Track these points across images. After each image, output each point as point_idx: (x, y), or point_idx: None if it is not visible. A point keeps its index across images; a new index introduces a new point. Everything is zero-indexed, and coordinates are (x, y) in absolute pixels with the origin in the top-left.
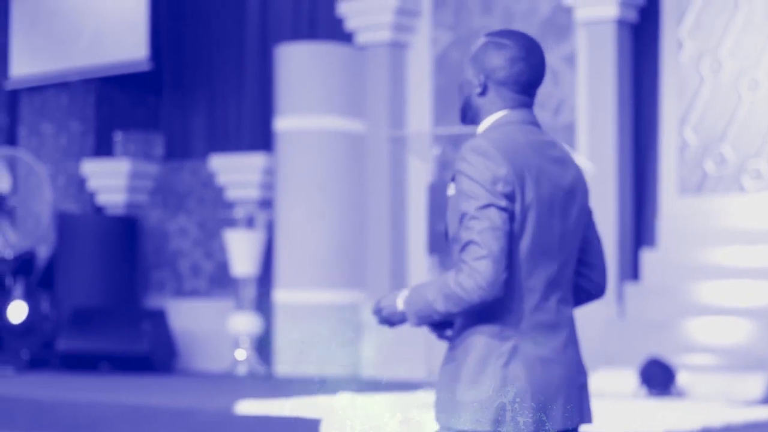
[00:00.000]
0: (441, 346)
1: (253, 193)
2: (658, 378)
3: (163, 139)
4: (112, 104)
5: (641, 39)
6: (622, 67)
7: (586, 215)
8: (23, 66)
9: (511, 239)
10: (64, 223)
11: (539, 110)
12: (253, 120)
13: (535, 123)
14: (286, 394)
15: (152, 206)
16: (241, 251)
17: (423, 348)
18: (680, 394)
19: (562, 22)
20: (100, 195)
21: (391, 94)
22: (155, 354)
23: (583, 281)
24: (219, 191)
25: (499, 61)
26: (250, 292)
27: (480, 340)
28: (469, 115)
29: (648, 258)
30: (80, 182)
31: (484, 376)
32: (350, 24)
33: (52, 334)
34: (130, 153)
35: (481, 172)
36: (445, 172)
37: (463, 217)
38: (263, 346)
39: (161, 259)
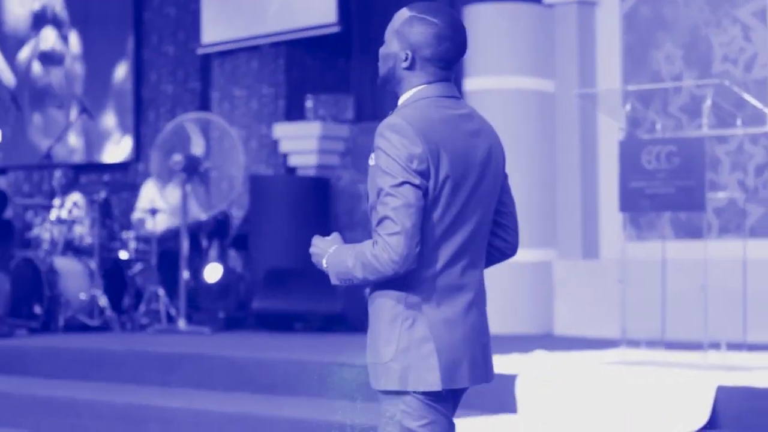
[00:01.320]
0: (635, 305)
1: None
2: None
3: (353, 102)
4: (302, 68)
5: None
6: None
7: (501, 181)
8: (214, 32)
9: (424, 213)
10: (256, 185)
11: (731, 66)
12: None
13: (453, 96)
14: None
15: (343, 168)
16: None
17: (616, 306)
18: None
19: None
20: (292, 157)
21: (580, 52)
22: (348, 313)
23: (498, 241)
24: None
25: (426, 38)
26: None
27: (387, 304)
28: (391, 85)
29: None
30: (272, 145)
31: (391, 338)
32: None
33: (246, 295)
34: (321, 116)
35: (398, 149)
36: (636, 130)
37: (380, 192)
38: None
39: (353, 220)
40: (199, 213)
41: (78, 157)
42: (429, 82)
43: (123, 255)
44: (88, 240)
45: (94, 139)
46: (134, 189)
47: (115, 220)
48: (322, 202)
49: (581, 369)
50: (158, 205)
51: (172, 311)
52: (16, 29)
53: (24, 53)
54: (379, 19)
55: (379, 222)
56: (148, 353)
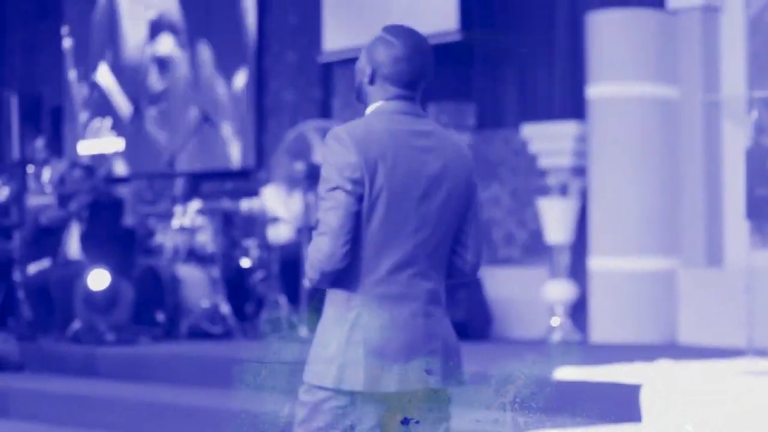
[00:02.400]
0: (762, 314)
1: (566, 161)
2: None
3: (474, 109)
4: None
5: None
6: None
7: (461, 200)
8: (336, 40)
9: (360, 220)
10: None
11: None
12: (564, 88)
13: (411, 113)
14: (603, 361)
15: None
16: (554, 219)
17: (742, 315)
18: None
19: None
20: None
21: (704, 58)
22: (472, 321)
23: (457, 260)
24: (531, 160)
25: (384, 58)
26: (563, 260)
27: (333, 306)
28: (361, 97)
29: None
30: None
31: (331, 338)
32: None
33: None
34: (443, 123)
35: (335, 157)
36: (762, 137)
37: (318, 196)
38: (577, 313)
39: None
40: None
41: (199, 165)
42: (387, 99)
43: (245, 263)
44: (210, 248)
45: (214, 147)
46: (255, 197)
47: (237, 228)
48: None
49: (707, 378)
50: (280, 214)
51: (294, 319)
52: (134, 46)
53: (142, 62)
54: (501, 25)
55: (316, 223)
56: (270, 361)
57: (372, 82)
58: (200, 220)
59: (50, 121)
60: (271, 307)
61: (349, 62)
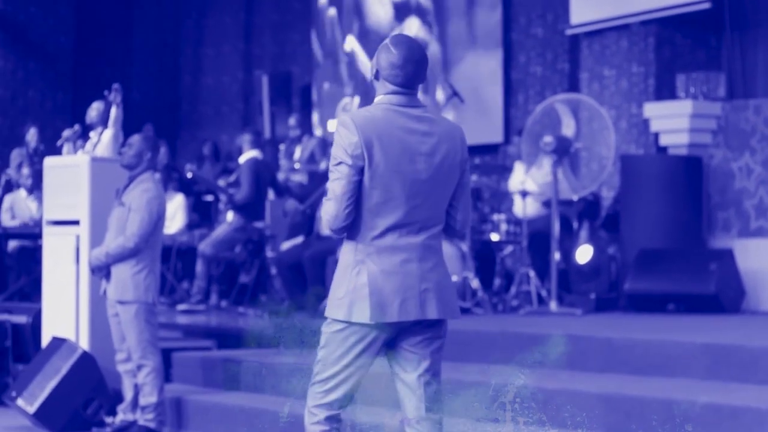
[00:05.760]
0: None
1: None
2: None
3: (725, 79)
4: (672, 46)
5: None
6: None
7: (452, 175)
8: (583, 13)
9: (362, 188)
10: (627, 165)
11: None
12: None
13: (406, 105)
14: None
15: (715, 146)
16: None
17: None
18: None
19: None
20: (663, 137)
21: None
22: (723, 294)
23: (450, 219)
24: None
25: (383, 63)
26: None
27: (345, 257)
28: (373, 91)
29: None
30: (642, 124)
31: (343, 281)
32: None
33: (617, 276)
34: (692, 94)
35: (341, 138)
36: None
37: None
38: None
39: (726, 199)
40: (569, 194)
41: None
42: (386, 94)
43: (494, 237)
44: None
45: (463, 122)
46: (504, 171)
47: (486, 202)
48: (693, 182)
49: None
50: (529, 188)
51: (543, 293)
52: (379, 24)
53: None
54: None
55: (326, 190)
56: (521, 334)
57: (377, 78)
58: None
59: (300, 100)
60: (521, 281)
61: (596, 34)
